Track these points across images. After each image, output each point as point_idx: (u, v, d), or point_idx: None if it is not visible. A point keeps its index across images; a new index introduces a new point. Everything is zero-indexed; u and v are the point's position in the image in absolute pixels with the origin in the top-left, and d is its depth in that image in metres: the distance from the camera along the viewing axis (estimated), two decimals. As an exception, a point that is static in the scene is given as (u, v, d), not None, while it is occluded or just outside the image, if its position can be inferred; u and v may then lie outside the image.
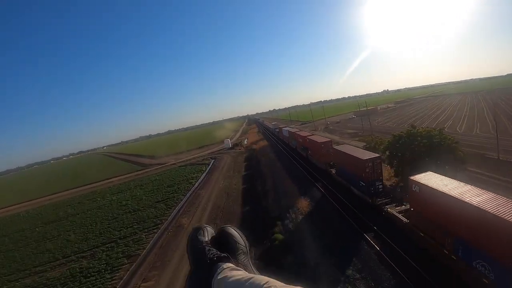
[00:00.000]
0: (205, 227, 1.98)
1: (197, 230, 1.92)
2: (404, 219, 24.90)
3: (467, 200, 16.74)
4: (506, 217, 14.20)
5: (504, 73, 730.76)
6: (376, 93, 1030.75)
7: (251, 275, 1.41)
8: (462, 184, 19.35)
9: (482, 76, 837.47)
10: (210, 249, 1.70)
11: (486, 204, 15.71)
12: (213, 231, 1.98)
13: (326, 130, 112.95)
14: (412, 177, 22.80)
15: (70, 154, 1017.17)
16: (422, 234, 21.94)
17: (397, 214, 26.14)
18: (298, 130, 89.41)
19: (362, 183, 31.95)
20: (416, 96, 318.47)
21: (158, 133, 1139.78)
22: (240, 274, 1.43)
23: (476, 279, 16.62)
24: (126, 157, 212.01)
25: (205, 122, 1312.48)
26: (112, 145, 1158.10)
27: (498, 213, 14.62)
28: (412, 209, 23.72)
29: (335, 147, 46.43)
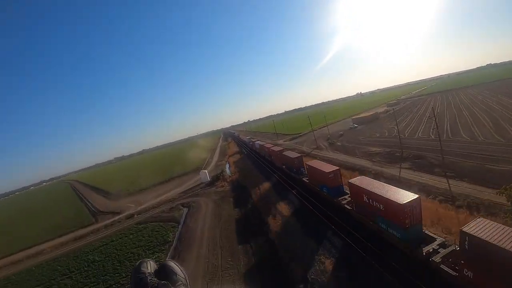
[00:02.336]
0: (148, 261, 2.16)
1: (141, 263, 2.10)
2: (307, 181, 50.58)
3: (318, 167, 43.66)
4: (321, 168, 43.29)
5: (474, 66, 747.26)
6: (349, 96, 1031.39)
7: None
8: (324, 162, 50.67)
9: (451, 72, 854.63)
10: (151, 279, 1.85)
11: (320, 167, 43.76)
12: (156, 266, 2.15)
13: (334, 148, 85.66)
14: (306, 162, 52.13)
15: (42, 181, 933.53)
16: (312, 185, 48.21)
17: (305, 180, 51.76)
18: (265, 143, 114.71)
19: (294, 169, 59.36)
20: (403, 96, 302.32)
21: (131, 154, 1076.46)
22: None
23: (324, 195, 42.86)
24: (86, 191, 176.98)
25: (180, 139, 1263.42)
26: (86, 168, 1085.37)
27: (320, 167, 43.52)
28: (308, 177, 50.06)
29: (283, 152, 71.45)
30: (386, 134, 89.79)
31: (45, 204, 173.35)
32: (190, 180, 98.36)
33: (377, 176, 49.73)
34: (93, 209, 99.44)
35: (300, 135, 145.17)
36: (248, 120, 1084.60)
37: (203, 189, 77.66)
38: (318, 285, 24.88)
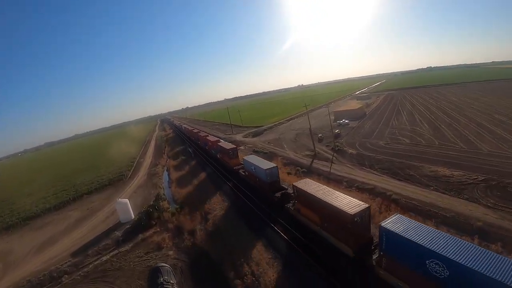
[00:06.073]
0: (161, 267, 2.36)
1: (156, 272, 2.26)
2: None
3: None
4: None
5: (425, 66, 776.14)
6: (291, 87, 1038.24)
7: None
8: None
9: (399, 70, 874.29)
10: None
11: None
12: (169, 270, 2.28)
13: (354, 159, 55.57)
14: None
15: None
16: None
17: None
18: (185, 124, 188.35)
19: (193, 138, 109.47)
20: (364, 88, 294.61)
21: (62, 139, 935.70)
22: None
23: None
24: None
25: (114, 124, 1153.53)
26: (12, 155, 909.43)
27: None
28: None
29: (193, 131, 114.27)
30: (423, 142, 60.02)
31: None
32: (102, 208, 56.50)
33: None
34: None
35: (265, 129, 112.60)
36: (187, 107, 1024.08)
37: (116, 251, 36.97)
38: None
